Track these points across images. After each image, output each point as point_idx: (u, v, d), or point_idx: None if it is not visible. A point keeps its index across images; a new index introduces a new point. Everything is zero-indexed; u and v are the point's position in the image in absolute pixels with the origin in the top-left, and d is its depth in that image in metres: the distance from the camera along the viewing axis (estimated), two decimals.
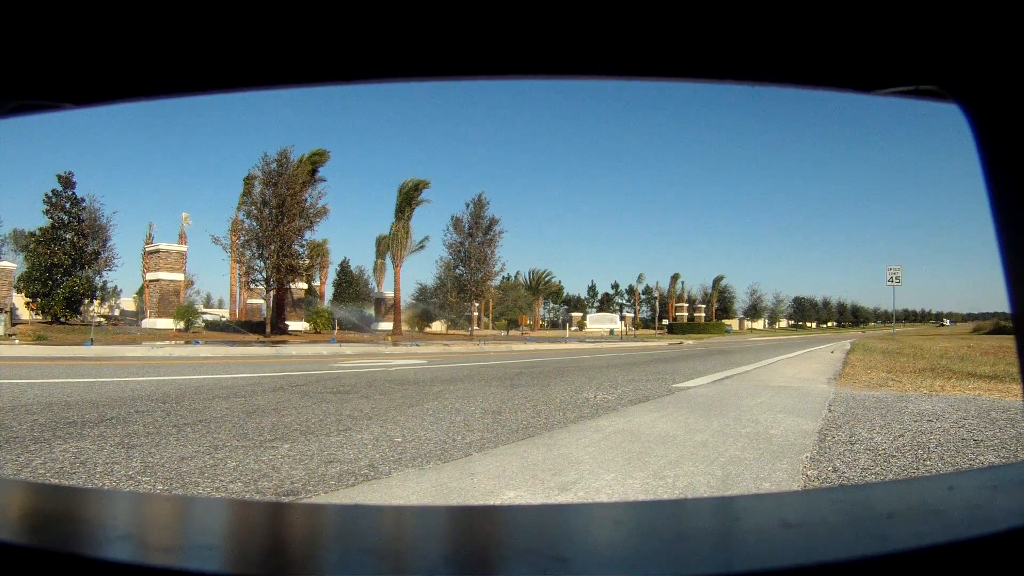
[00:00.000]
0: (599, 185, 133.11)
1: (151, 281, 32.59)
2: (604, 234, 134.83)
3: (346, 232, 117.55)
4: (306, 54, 0.58)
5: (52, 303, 27.36)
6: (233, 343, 21.43)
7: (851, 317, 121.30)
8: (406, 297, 42.23)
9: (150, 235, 34.84)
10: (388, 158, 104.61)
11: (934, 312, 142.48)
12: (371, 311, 42.30)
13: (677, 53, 0.57)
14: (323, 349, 17.67)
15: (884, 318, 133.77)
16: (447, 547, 0.49)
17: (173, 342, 21.12)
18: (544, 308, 73.55)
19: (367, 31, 0.55)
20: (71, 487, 2.13)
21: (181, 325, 30.31)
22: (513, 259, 73.83)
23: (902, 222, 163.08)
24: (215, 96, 0.67)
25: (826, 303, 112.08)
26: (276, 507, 1.08)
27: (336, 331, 34.47)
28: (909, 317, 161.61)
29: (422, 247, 37.12)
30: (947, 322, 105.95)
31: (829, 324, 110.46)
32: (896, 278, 29.08)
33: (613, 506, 1.28)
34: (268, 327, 30.20)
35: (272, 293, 32.10)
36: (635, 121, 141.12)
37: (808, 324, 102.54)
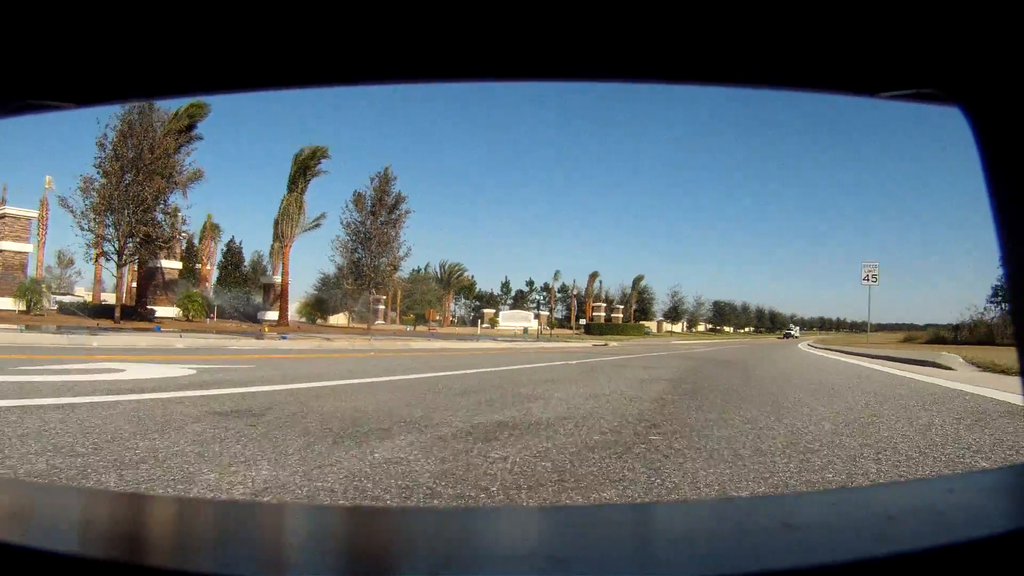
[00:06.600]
0: (517, 179, 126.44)
1: None
2: (520, 230, 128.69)
3: (263, 218, 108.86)
4: (306, 57, 0.57)
5: None
6: (61, 328, 16.54)
7: (768, 322, 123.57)
8: (307, 286, 37.56)
9: (2, 198, 28.66)
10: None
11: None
12: (260, 298, 37.22)
13: (679, 57, 0.56)
14: (128, 340, 13.18)
15: (806, 325, 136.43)
16: (447, 547, 0.49)
17: None
18: (456, 304, 69.43)
19: (340, 34, 0.53)
20: (71, 487, 1.91)
21: (23, 306, 24.96)
22: (423, 251, 69.12)
23: (891, 220, 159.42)
24: (215, 98, 0.93)
25: (745, 307, 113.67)
26: (275, 507, 1.21)
27: (213, 318, 29.91)
28: (824, 325, 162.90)
29: (318, 225, 32.50)
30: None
31: (747, 329, 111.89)
32: (872, 276, 27.21)
33: (613, 507, 1.41)
34: (118, 311, 25.17)
35: (133, 270, 27.08)
36: (592, 121, 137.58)
37: (727, 328, 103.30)
